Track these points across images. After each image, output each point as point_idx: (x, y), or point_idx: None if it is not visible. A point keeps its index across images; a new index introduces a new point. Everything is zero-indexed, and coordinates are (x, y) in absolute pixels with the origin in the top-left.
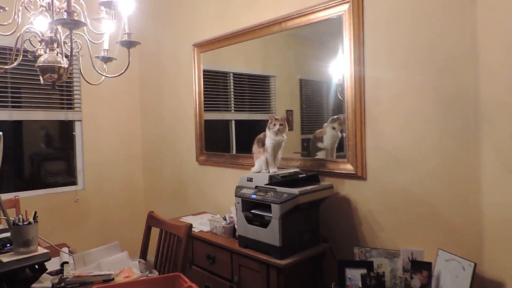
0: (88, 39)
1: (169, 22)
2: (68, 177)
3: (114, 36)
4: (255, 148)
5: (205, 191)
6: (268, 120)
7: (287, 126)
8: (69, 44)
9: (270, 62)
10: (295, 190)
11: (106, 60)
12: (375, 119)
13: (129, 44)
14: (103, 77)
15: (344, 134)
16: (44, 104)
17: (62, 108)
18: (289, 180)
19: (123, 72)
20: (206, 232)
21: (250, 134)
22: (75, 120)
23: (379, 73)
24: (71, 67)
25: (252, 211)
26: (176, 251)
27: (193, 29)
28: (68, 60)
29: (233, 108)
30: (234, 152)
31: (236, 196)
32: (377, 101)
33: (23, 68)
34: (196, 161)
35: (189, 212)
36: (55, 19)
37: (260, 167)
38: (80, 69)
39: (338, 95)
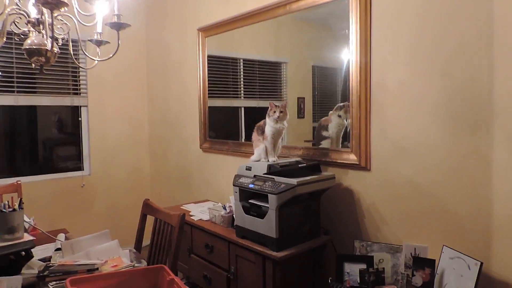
0: (78, 21)
1: (174, 6)
2: (75, 162)
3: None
4: (254, 136)
5: (208, 179)
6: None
7: (287, 113)
8: (58, 26)
9: (281, 47)
10: (293, 180)
11: (99, 43)
12: (381, 107)
13: (118, 26)
14: (96, 61)
15: (349, 122)
16: (50, 89)
17: (69, 93)
18: (288, 170)
19: (113, 56)
20: (206, 220)
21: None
22: (81, 106)
23: (386, 57)
24: (56, 50)
25: (250, 200)
26: (169, 240)
27: (198, 13)
28: (56, 43)
29: (242, 95)
30: (243, 139)
31: (234, 185)
32: (383, 87)
33: None
34: (200, 148)
35: (193, 199)
36: None
37: (260, 155)
38: (70, 53)
39: (347, 82)
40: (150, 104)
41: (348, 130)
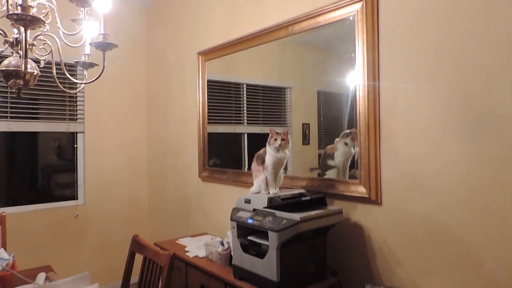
0: (64, 41)
1: (173, 30)
2: (68, 191)
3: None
4: (254, 165)
5: (206, 211)
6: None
7: (289, 141)
8: (39, 47)
9: (286, 72)
10: (297, 216)
11: (88, 66)
12: (392, 134)
13: (104, 47)
14: (82, 85)
15: (356, 151)
16: (45, 115)
17: (64, 119)
18: (291, 204)
19: (98, 78)
20: (202, 258)
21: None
22: (77, 132)
23: (396, 80)
24: (36, 72)
25: (249, 237)
26: (157, 282)
27: (197, 37)
28: (38, 65)
29: (245, 120)
30: (246, 168)
31: (231, 219)
32: (394, 113)
33: None
34: (199, 177)
35: (191, 232)
36: (8, 13)
37: (260, 187)
38: (54, 76)
39: (353, 108)
40: (150, 131)
41: (356, 159)
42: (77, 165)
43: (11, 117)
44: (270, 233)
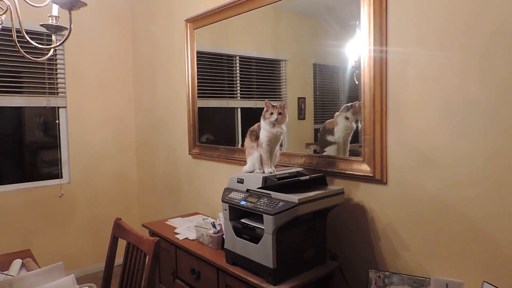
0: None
1: None
2: (52, 169)
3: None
4: (247, 142)
5: (198, 189)
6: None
7: (287, 115)
8: None
9: (281, 45)
10: (294, 197)
11: (54, 30)
12: (400, 107)
13: (70, 4)
14: (56, 53)
15: (359, 125)
16: (23, 88)
17: (44, 93)
18: (288, 184)
19: (62, 43)
20: (192, 240)
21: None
22: (59, 107)
23: (406, 46)
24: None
25: (242, 220)
26: (142, 271)
27: (185, 3)
28: None
29: (239, 94)
30: (239, 144)
31: (222, 201)
32: (403, 84)
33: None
34: (189, 154)
35: (182, 211)
36: None
37: (253, 165)
38: (14, 40)
39: (355, 79)
40: (137, 104)
41: (358, 134)
42: (60, 141)
43: None
44: (265, 217)
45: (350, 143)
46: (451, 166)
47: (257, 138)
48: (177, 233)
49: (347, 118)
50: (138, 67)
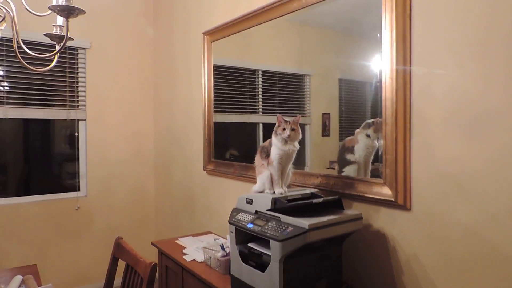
0: (26, 9)
1: (180, 8)
2: (69, 182)
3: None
4: (257, 159)
5: (212, 206)
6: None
7: (300, 131)
8: None
9: (305, 59)
10: (304, 222)
11: (59, 40)
12: (426, 124)
13: (67, 11)
14: (54, 60)
15: (380, 144)
16: (44, 101)
17: (65, 105)
18: (300, 206)
19: (60, 50)
20: (200, 262)
21: None
22: (78, 120)
23: (432, 55)
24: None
25: (249, 244)
26: None
27: (202, 16)
28: None
29: (261, 109)
30: None
31: (229, 222)
32: (429, 98)
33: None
34: (204, 170)
35: (197, 229)
36: None
37: (263, 185)
38: (15, 49)
39: (378, 94)
40: (157, 119)
41: (380, 154)
42: (79, 154)
43: (7, 103)
44: (272, 243)
45: (373, 163)
46: (489, 196)
47: (267, 155)
48: (185, 254)
49: (368, 136)
50: (159, 81)
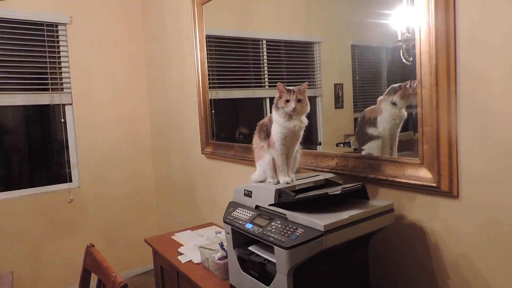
0: None
1: None
2: (59, 172)
3: None
4: (255, 141)
5: (214, 194)
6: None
7: (308, 102)
8: None
9: (314, 24)
10: (319, 222)
11: None
12: (480, 83)
13: None
14: None
15: (412, 113)
16: (23, 85)
17: (47, 89)
18: (311, 199)
19: None
20: (197, 263)
21: None
22: (64, 104)
23: None
24: None
25: (250, 248)
26: None
27: None
28: None
29: (267, 83)
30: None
31: (224, 221)
32: (483, 47)
33: None
34: (202, 153)
35: (199, 219)
36: None
37: (264, 173)
38: None
39: (402, 57)
40: (152, 98)
41: (408, 124)
42: (68, 142)
43: None
44: (277, 250)
45: (401, 144)
46: None
47: (268, 135)
48: (180, 253)
49: (394, 104)
50: (151, 56)
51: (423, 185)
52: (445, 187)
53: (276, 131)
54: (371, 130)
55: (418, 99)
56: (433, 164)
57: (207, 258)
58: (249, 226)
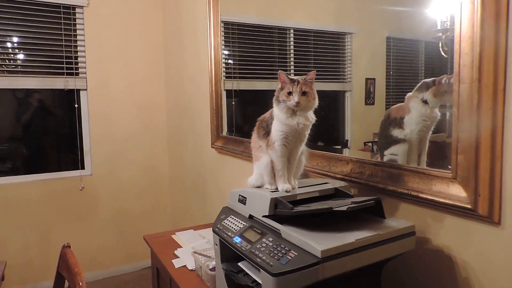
0: None
1: None
2: (72, 159)
3: None
4: (253, 139)
5: (223, 191)
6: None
7: (316, 96)
8: None
9: (346, 14)
10: (315, 246)
11: None
12: None
13: None
14: None
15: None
16: (37, 68)
17: (62, 73)
18: (314, 212)
19: None
20: (191, 270)
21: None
22: (78, 89)
23: None
24: None
25: (240, 263)
26: None
27: None
28: None
29: (293, 75)
30: None
31: (213, 230)
32: None
33: (9, 22)
34: (212, 147)
35: (209, 216)
36: None
37: (261, 177)
38: None
39: (441, 50)
40: (168, 86)
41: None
42: (82, 128)
43: None
44: (263, 275)
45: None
46: None
47: (267, 133)
48: (177, 256)
49: (425, 102)
50: (169, 43)
51: (455, 205)
52: (483, 211)
53: (276, 129)
54: (396, 132)
55: (454, 97)
56: (469, 180)
57: (200, 267)
58: (237, 240)
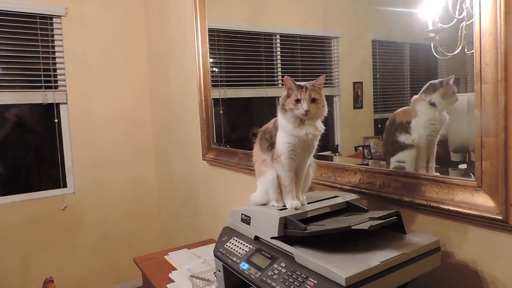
0: None
1: None
2: (52, 177)
3: None
4: (256, 152)
5: (216, 206)
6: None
7: (325, 102)
8: None
9: (331, 18)
10: (338, 273)
11: None
12: None
13: None
14: None
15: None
16: (13, 82)
17: (40, 87)
18: (328, 231)
19: None
20: None
21: None
22: (58, 103)
23: None
24: None
25: None
26: None
27: None
28: None
29: (280, 81)
30: None
31: (215, 255)
32: None
33: None
34: (203, 159)
35: (200, 234)
36: None
37: (267, 194)
38: None
39: (433, 51)
40: (154, 98)
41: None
42: (63, 144)
43: None
44: None
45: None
46: None
47: (272, 145)
48: (171, 280)
49: (433, 105)
50: (153, 50)
51: (481, 216)
52: None
53: (282, 141)
54: (403, 138)
55: (476, 99)
56: (497, 189)
57: None
58: (244, 266)
